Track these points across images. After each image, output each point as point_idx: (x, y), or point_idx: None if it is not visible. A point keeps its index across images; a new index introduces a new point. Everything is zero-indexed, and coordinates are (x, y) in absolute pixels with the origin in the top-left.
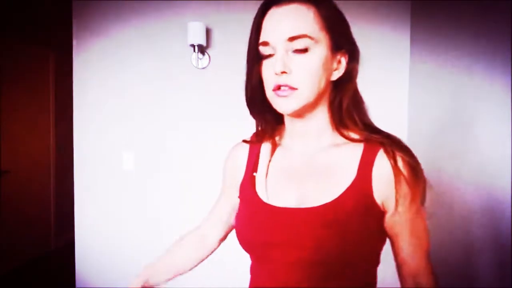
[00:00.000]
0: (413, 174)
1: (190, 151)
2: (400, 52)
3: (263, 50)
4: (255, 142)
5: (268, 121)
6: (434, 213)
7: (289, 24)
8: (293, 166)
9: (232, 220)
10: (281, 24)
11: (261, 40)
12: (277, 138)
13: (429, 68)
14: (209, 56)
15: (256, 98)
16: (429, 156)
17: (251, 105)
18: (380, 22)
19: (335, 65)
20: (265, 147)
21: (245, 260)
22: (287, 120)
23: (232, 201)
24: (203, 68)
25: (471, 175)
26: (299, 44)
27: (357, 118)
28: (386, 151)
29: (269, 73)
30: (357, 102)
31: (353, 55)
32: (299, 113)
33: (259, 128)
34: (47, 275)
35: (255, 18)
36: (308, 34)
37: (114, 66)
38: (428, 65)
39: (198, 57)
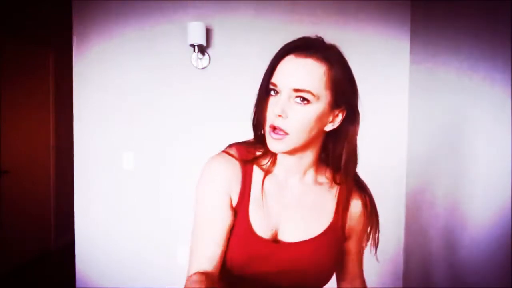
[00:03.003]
0: (376, 213)
1: (190, 150)
2: (400, 52)
3: (271, 88)
4: (246, 162)
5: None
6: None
7: (298, 77)
8: (284, 199)
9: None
10: (292, 74)
11: (272, 80)
12: (268, 163)
13: (429, 68)
14: (209, 56)
15: (259, 128)
16: (429, 155)
17: (254, 131)
18: (380, 22)
19: (331, 118)
20: (257, 171)
21: None
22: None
23: (225, 226)
24: (203, 68)
25: (471, 175)
26: (302, 96)
27: (340, 166)
28: (359, 195)
29: (271, 110)
30: (350, 154)
31: (351, 114)
32: (289, 152)
33: (261, 151)
34: (47, 275)
35: (274, 58)
36: (312, 91)
37: (114, 66)
38: (428, 65)
39: (198, 57)
